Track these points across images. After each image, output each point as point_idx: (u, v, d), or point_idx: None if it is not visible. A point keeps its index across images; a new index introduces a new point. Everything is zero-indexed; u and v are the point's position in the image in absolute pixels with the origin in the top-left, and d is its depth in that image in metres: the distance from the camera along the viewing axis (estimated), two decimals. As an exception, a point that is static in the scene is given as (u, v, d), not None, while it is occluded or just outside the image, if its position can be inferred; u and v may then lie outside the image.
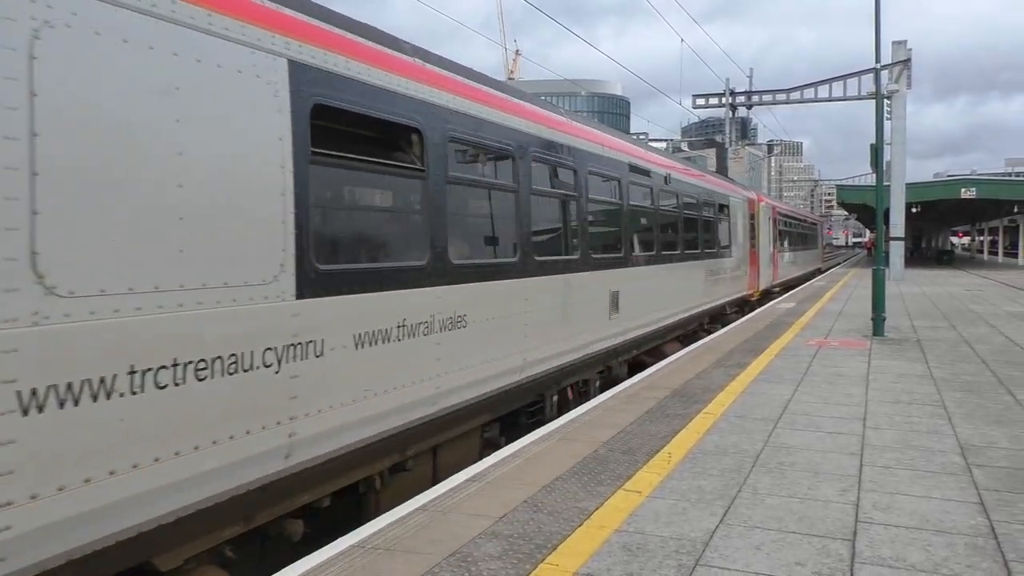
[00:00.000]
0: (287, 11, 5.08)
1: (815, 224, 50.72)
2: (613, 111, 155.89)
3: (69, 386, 3.59)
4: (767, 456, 6.62)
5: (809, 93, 45.31)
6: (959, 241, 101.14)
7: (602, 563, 4.45)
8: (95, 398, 3.69)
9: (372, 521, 5.20)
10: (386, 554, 4.61)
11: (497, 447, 7.57)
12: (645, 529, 4.97)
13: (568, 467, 6.31)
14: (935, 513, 5.25)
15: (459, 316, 6.83)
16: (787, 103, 47.54)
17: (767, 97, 48.71)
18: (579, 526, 5.02)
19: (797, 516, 5.20)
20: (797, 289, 30.60)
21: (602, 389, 10.47)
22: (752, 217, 23.48)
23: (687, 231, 15.39)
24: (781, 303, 23.21)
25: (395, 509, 5.38)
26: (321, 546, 4.80)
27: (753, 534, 4.89)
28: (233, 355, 4.45)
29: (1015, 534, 4.88)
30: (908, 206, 38.22)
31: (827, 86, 43.97)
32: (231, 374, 4.43)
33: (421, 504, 5.44)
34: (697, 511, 5.29)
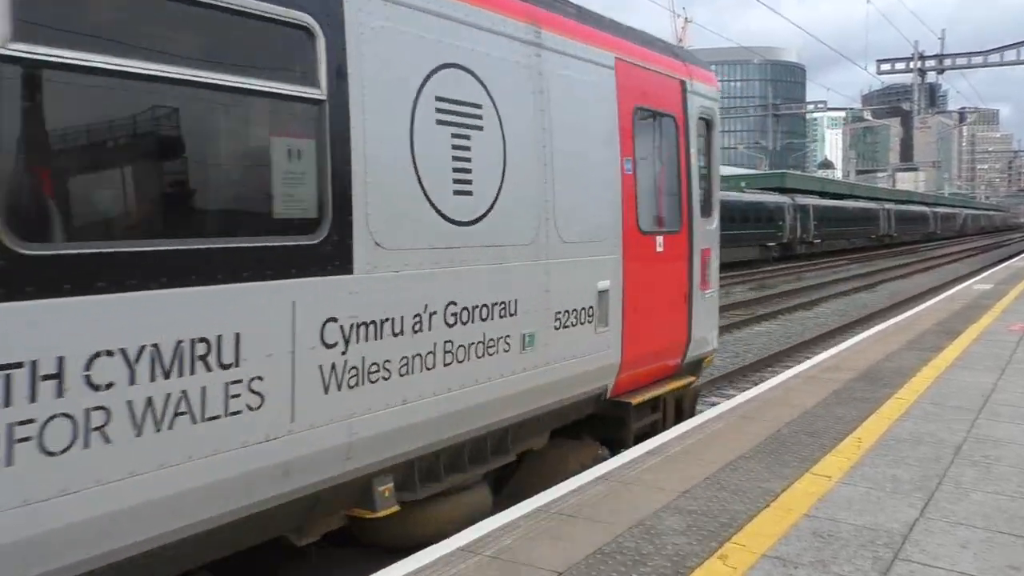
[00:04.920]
0: None
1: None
2: (787, 79, 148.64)
3: None
4: (970, 448, 6.16)
5: (1011, 55, 41.33)
6: None
7: (792, 547, 4.31)
8: None
9: (551, 488, 5.27)
10: (568, 520, 4.68)
11: None
12: (837, 516, 4.76)
13: (749, 446, 6.14)
14: None
15: None
16: (984, 66, 43.76)
17: (961, 60, 45.00)
18: (765, 507, 4.88)
19: (1007, 515, 4.81)
20: (998, 267, 28.10)
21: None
22: None
23: None
24: (976, 284, 21.44)
25: (574, 478, 5.44)
26: None
27: (957, 531, 4.57)
28: None
29: None
30: None
31: (1035, 47, 39.97)
32: None
33: (601, 474, 5.47)
34: (893, 501, 5.01)
